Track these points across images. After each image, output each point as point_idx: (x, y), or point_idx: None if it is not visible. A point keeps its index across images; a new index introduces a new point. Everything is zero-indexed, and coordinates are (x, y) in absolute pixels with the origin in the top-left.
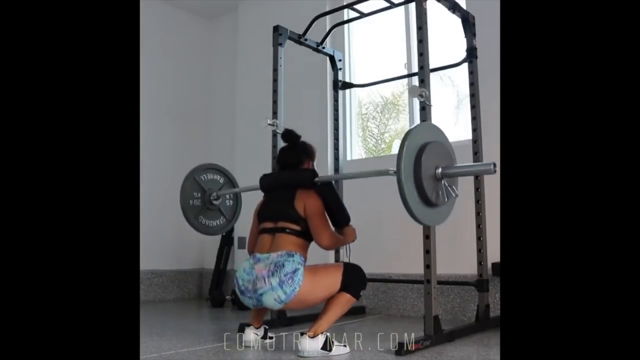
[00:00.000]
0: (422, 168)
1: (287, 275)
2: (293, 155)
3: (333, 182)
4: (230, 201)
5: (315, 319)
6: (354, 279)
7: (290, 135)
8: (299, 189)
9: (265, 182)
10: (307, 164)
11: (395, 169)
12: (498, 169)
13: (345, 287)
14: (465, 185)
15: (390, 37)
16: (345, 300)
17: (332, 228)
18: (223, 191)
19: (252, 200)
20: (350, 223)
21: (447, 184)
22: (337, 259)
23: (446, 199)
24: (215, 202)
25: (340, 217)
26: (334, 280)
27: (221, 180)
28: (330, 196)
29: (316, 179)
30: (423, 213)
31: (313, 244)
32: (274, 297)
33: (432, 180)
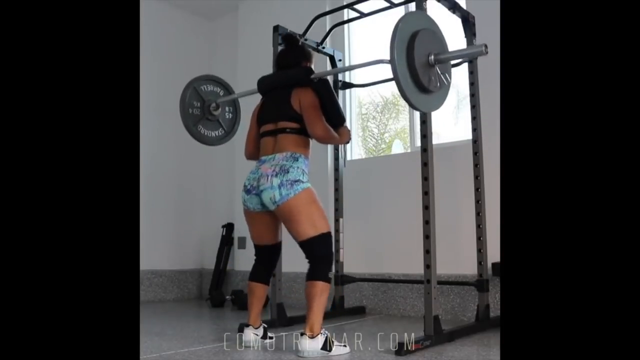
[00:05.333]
0: (415, 54)
1: (289, 182)
2: (291, 55)
3: (329, 78)
4: (230, 114)
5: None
6: (323, 249)
7: (289, 37)
8: (295, 87)
9: (263, 84)
10: (305, 64)
11: (389, 58)
12: (490, 50)
13: (311, 267)
14: (466, 185)
15: None
16: (320, 288)
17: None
18: (222, 98)
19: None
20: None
21: (440, 71)
22: (337, 260)
23: (439, 85)
24: (214, 113)
25: (334, 117)
26: (319, 225)
27: (221, 93)
28: (325, 93)
29: (312, 75)
30: (418, 99)
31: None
32: (270, 196)
33: (425, 66)
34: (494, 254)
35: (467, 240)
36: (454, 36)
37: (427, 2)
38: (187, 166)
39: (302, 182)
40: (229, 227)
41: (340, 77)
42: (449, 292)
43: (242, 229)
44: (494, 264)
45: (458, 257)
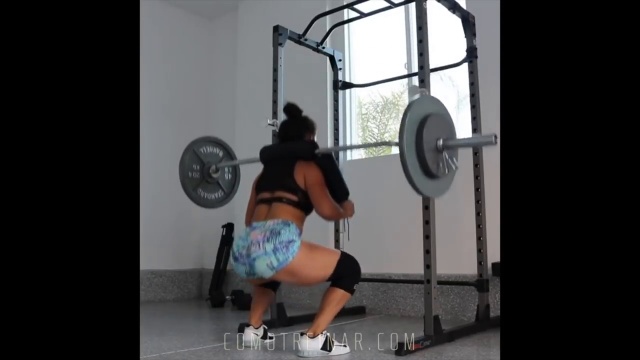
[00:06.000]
0: (424, 140)
1: (282, 244)
2: (294, 128)
3: (333, 154)
4: (229, 175)
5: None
6: (348, 269)
7: (291, 109)
8: (298, 161)
9: (265, 154)
10: (308, 137)
11: (397, 141)
12: (499, 140)
13: (338, 279)
14: (466, 185)
15: (390, 37)
16: (340, 296)
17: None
18: (222, 163)
19: (251, 176)
20: (350, 198)
21: (447, 156)
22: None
23: (447, 171)
24: (214, 175)
25: (339, 191)
26: (329, 263)
27: (220, 154)
28: (330, 169)
29: (316, 151)
30: (424, 185)
31: (310, 221)
32: (266, 263)
33: (433, 151)
34: (494, 254)
35: (467, 240)
36: (454, 36)
37: (427, 2)
38: None
39: (296, 241)
40: (229, 227)
41: (340, 77)
42: (449, 292)
43: (242, 229)
44: (494, 264)
45: (458, 257)
